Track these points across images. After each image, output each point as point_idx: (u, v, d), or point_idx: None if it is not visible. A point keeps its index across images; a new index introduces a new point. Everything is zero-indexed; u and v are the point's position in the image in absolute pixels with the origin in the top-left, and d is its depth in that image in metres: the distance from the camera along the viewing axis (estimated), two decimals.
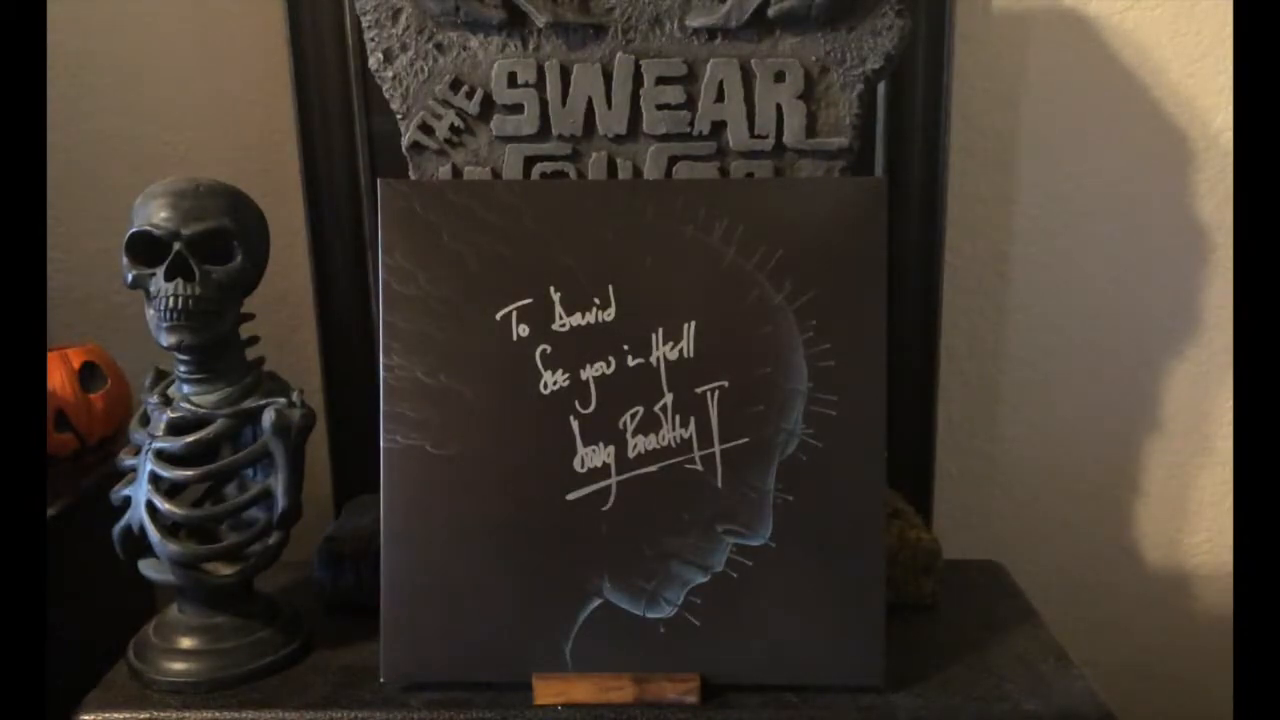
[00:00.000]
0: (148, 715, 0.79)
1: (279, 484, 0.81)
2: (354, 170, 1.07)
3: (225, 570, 0.82)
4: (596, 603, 0.79)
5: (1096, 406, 1.19)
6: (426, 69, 0.85)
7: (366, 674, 0.82)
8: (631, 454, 0.79)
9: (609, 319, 0.79)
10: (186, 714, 0.79)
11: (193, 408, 0.81)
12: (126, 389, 1.09)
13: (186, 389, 0.82)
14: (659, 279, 0.79)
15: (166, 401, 0.82)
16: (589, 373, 0.79)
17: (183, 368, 0.82)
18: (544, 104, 0.84)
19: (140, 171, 1.11)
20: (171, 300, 0.78)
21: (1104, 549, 1.23)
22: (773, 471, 0.78)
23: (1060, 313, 1.17)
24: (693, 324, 0.79)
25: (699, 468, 0.79)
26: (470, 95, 0.84)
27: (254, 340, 0.85)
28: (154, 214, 0.79)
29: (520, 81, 0.84)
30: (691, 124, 0.84)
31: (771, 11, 0.82)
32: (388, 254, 0.79)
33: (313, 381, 1.12)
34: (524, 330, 0.79)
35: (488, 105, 0.85)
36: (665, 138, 0.85)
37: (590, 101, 0.84)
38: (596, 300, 0.79)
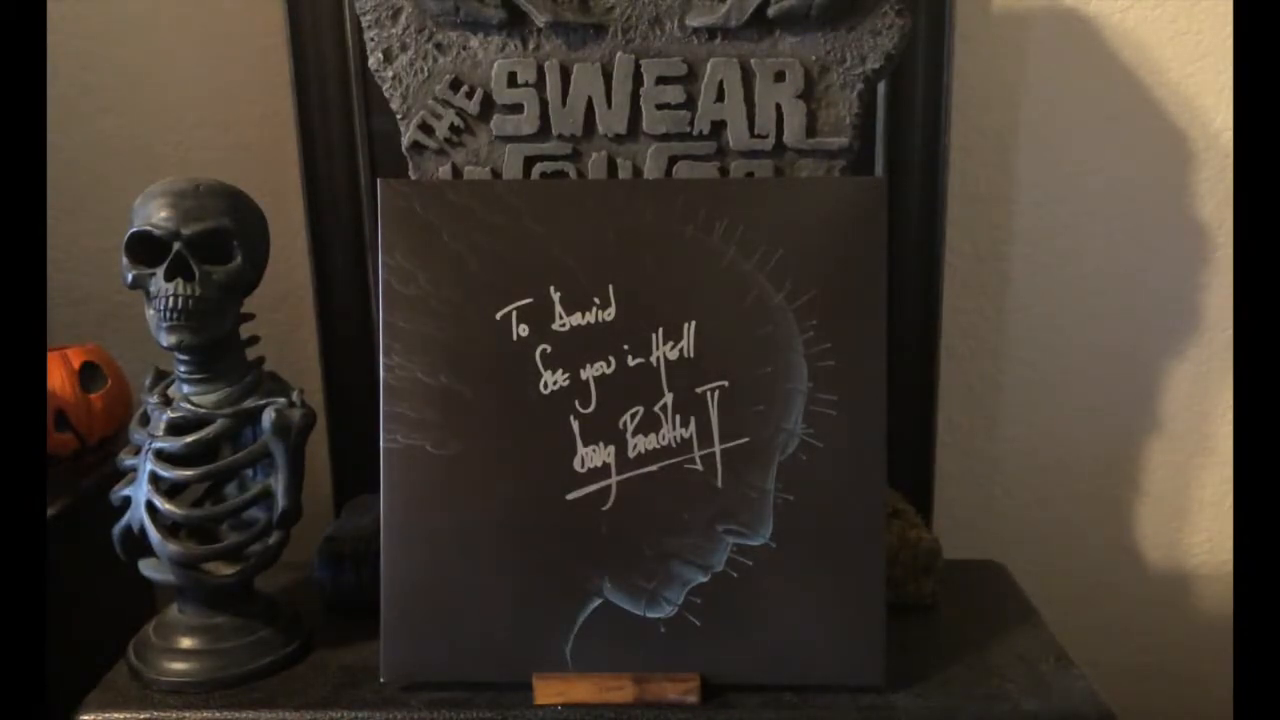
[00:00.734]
0: (148, 715, 0.79)
1: (279, 484, 0.81)
2: (354, 170, 1.07)
3: (225, 570, 0.82)
4: (597, 603, 0.79)
5: (1096, 406, 1.19)
6: (426, 69, 0.85)
7: (366, 674, 0.82)
8: (631, 454, 0.79)
9: (609, 319, 0.79)
10: (186, 714, 0.79)
11: (193, 408, 0.81)
12: (126, 389, 1.09)
13: (186, 389, 0.82)
14: (659, 279, 0.79)
15: (166, 401, 0.82)
16: (589, 372, 0.79)
17: (183, 368, 0.82)
18: (544, 104, 0.84)
19: (140, 171, 1.11)
20: (171, 300, 0.78)
21: (1104, 549, 1.23)
22: (773, 471, 0.78)
23: (1060, 313, 1.17)
24: (693, 324, 0.79)
25: (699, 467, 0.79)
26: (470, 95, 0.84)
27: (254, 340, 0.85)
28: (154, 214, 0.79)
29: (520, 81, 0.84)
30: (691, 124, 0.84)
31: (771, 11, 0.82)
32: (388, 254, 0.79)
33: (313, 381, 1.12)
34: (524, 330, 0.79)
35: (488, 105, 0.85)
36: (665, 137, 0.85)
37: (590, 101, 0.84)
38: (596, 300, 0.79)
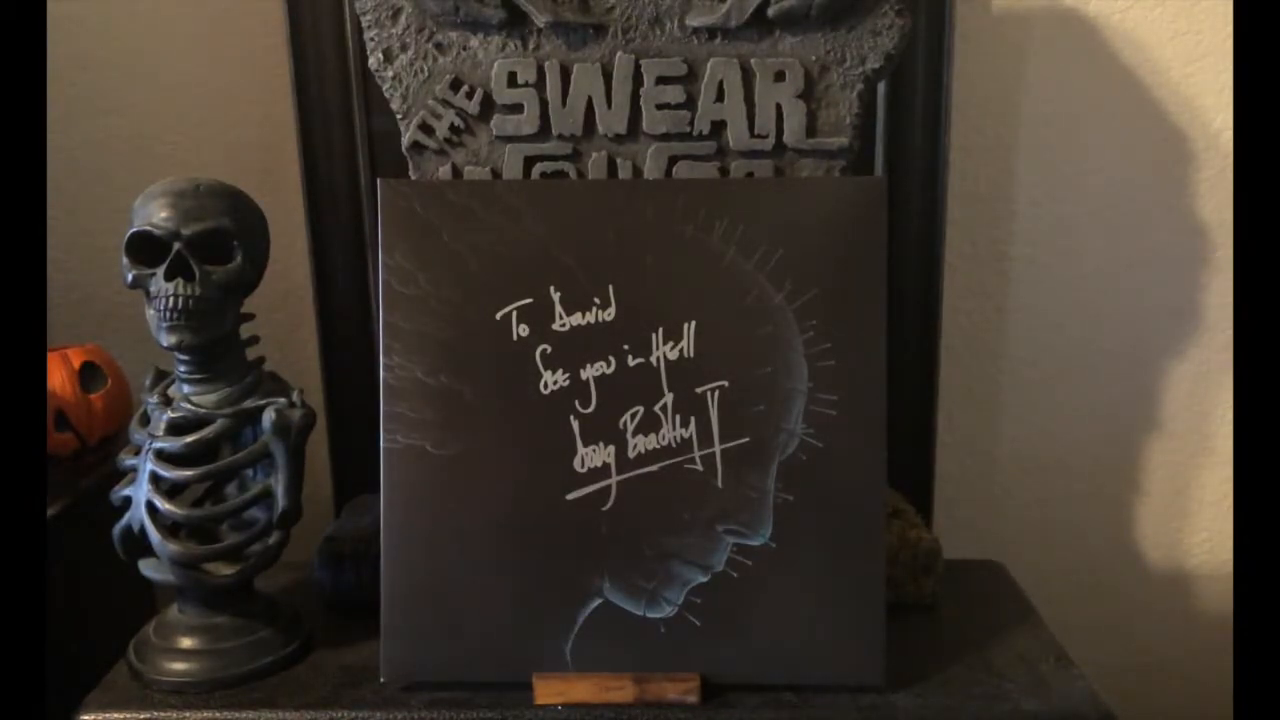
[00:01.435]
0: (148, 715, 0.79)
1: (279, 484, 0.81)
2: (354, 170, 1.07)
3: (225, 570, 0.82)
4: (597, 602, 0.79)
5: (1096, 406, 1.19)
6: (426, 69, 0.85)
7: (366, 674, 0.82)
8: (632, 454, 0.79)
9: (609, 319, 0.79)
10: (186, 714, 0.79)
11: (193, 408, 0.81)
12: (126, 389, 1.09)
13: (186, 389, 0.82)
14: (659, 279, 0.79)
15: (166, 401, 0.82)
16: (589, 372, 0.79)
17: (183, 368, 0.82)
18: (544, 104, 0.84)
19: (140, 171, 1.11)
20: (171, 300, 0.78)
21: (1104, 549, 1.23)
22: (773, 471, 0.78)
23: (1060, 313, 1.17)
24: (693, 324, 0.79)
25: (699, 467, 0.79)
26: (470, 95, 0.84)
27: (254, 340, 0.85)
28: (154, 214, 0.79)
29: (520, 81, 0.84)
30: (691, 124, 0.84)
31: (771, 11, 0.82)
32: (388, 254, 0.79)
33: (313, 381, 1.12)
34: (524, 330, 0.79)
35: (488, 105, 0.85)
36: (665, 137, 0.85)
37: (590, 101, 0.84)
38: (596, 300, 0.79)
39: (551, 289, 0.79)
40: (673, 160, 0.85)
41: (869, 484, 0.79)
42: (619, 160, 0.85)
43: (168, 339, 0.79)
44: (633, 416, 0.79)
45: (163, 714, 0.79)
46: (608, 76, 0.84)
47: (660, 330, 0.79)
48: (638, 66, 0.84)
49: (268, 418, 0.80)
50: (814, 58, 0.84)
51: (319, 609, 0.92)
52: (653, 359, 0.79)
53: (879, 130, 1.06)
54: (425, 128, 0.85)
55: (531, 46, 0.84)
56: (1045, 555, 1.22)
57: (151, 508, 0.80)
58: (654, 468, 0.79)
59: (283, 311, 1.16)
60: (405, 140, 0.86)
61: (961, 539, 1.20)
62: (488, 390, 0.79)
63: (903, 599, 0.92)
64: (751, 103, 0.84)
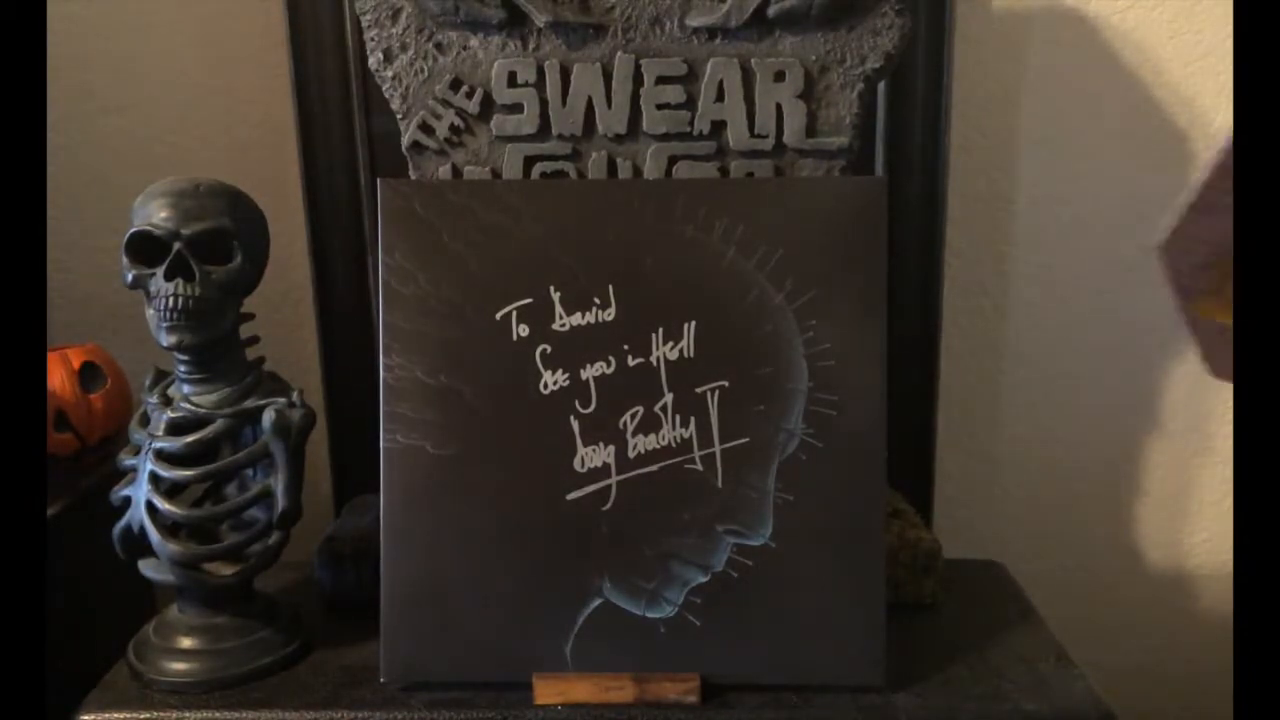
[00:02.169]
0: (148, 715, 0.79)
1: (279, 484, 0.81)
2: (354, 170, 1.07)
3: (225, 570, 0.82)
4: (597, 602, 0.79)
5: (1096, 406, 1.19)
6: (426, 69, 0.85)
7: (366, 674, 0.82)
8: (632, 454, 0.79)
9: (609, 319, 0.79)
10: (186, 714, 0.79)
11: (193, 408, 0.81)
12: (126, 389, 1.09)
13: (186, 389, 0.82)
14: (659, 279, 0.79)
15: (166, 401, 0.82)
16: (589, 372, 0.79)
17: (183, 368, 0.82)
18: (544, 104, 0.84)
19: (140, 171, 1.11)
20: (171, 300, 0.78)
21: (1104, 549, 1.23)
22: (773, 471, 0.78)
23: (1060, 312, 1.17)
24: (693, 324, 0.79)
25: (699, 467, 0.79)
26: (470, 95, 0.84)
27: (254, 340, 0.85)
28: (154, 214, 0.79)
29: (520, 81, 0.84)
30: (691, 124, 0.84)
31: (771, 11, 0.82)
32: (388, 254, 0.79)
33: (313, 381, 1.12)
34: (524, 330, 0.79)
35: (488, 105, 0.85)
36: (665, 137, 0.85)
37: (590, 101, 0.84)
38: (596, 300, 0.79)
39: (551, 289, 0.79)
40: (673, 160, 0.85)
41: (869, 484, 0.79)
42: (619, 160, 0.85)
43: (168, 339, 0.79)
44: (633, 416, 0.79)
45: (163, 714, 0.79)
46: (608, 76, 0.84)
47: (660, 330, 0.79)
48: (638, 66, 0.84)
49: (268, 418, 0.80)
50: (814, 58, 0.84)
51: (319, 609, 0.92)
52: (653, 359, 0.79)
53: (879, 130, 1.06)
54: (425, 128, 0.85)
55: (531, 46, 0.84)
56: (1045, 555, 1.22)
57: (151, 508, 0.80)
58: (654, 468, 0.79)
59: (283, 311, 1.16)
60: (405, 140, 0.86)
61: (961, 539, 1.20)
62: (488, 390, 0.79)
63: (903, 599, 0.92)
64: (751, 103, 0.84)
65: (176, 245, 0.78)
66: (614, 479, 0.79)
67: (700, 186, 0.82)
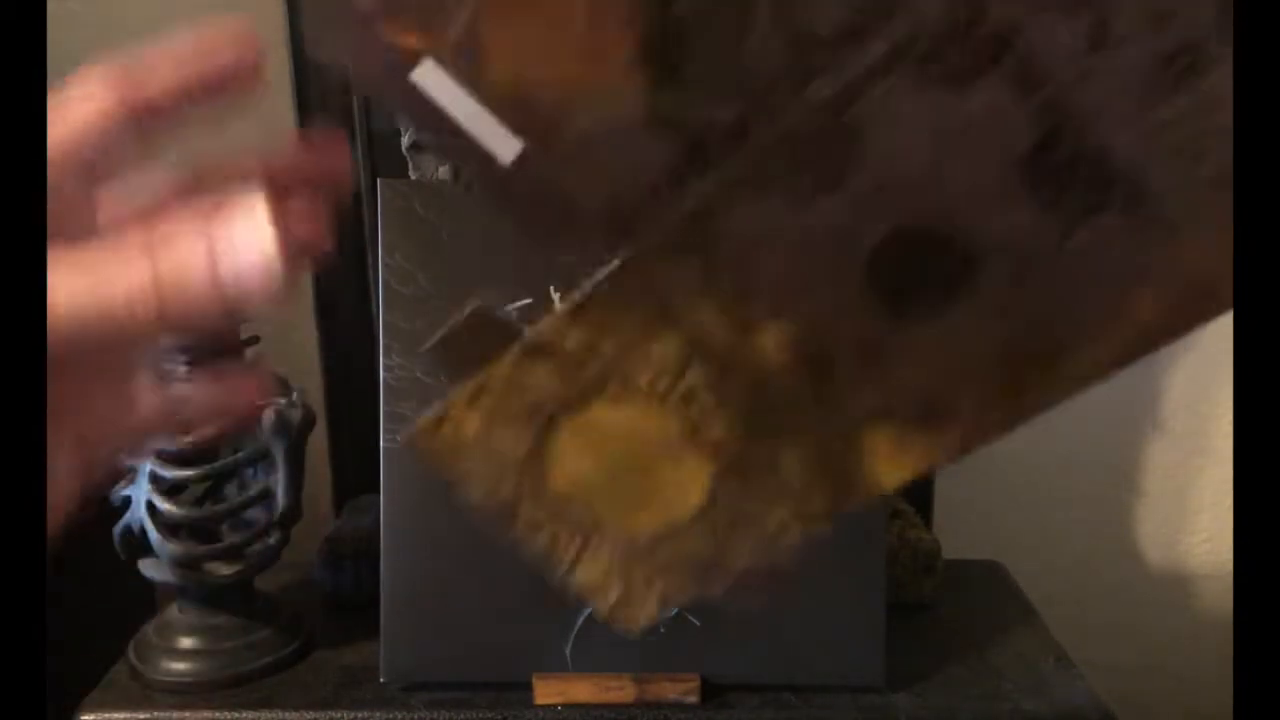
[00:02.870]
0: (148, 715, 0.79)
1: (279, 484, 0.81)
2: (354, 170, 1.07)
3: (225, 570, 0.82)
4: None
5: (1096, 406, 1.19)
6: None
7: (366, 674, 0.82)
8: None
9: None
10: (186, 714, 0.79)
11: None
12: None
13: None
14: None
15: None
16: None
17: (182, 368, 0.82)
18: None
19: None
20: None
21: (1104, 549, 1.23)
22: None
23: None
24: None
25: None
26: None
27: (254, 340, 0.85)
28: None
29: None
30: None
31: None
32: (388, 254, 0.79)
33: (313, 381, 1.12)
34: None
35: None
36: None
37: None
38: None
39: (551, 289, 0.79)
40: None
41: None
42: None
43: (166, 338, 0.79)
44: None
45: (163, 714, 0.79)
46: None
47: None
48: None
49: (267, 418, 0.80)
50: None
51: (319, 609, 0.92)
52: None
53: None
54: None
55: None
56: (1045, 555, 1.22)
57: (151, 507, 0.80)
58: None
59: (282, 311, 1.16)
60: (405, 140, 0.86)
61: (961, 539, 1.20)
62: None
63: (903, 599, 0.92)
64: None
65: None
66: None
67: None
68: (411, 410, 0.78)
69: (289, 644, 0.85)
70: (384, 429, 0.78)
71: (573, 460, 0.40)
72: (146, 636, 0.85)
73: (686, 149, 0.33)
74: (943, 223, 0.33)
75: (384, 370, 0.79)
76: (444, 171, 0.86)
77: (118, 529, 0.82)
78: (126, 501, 0.82)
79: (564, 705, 0.78)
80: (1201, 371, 1.18)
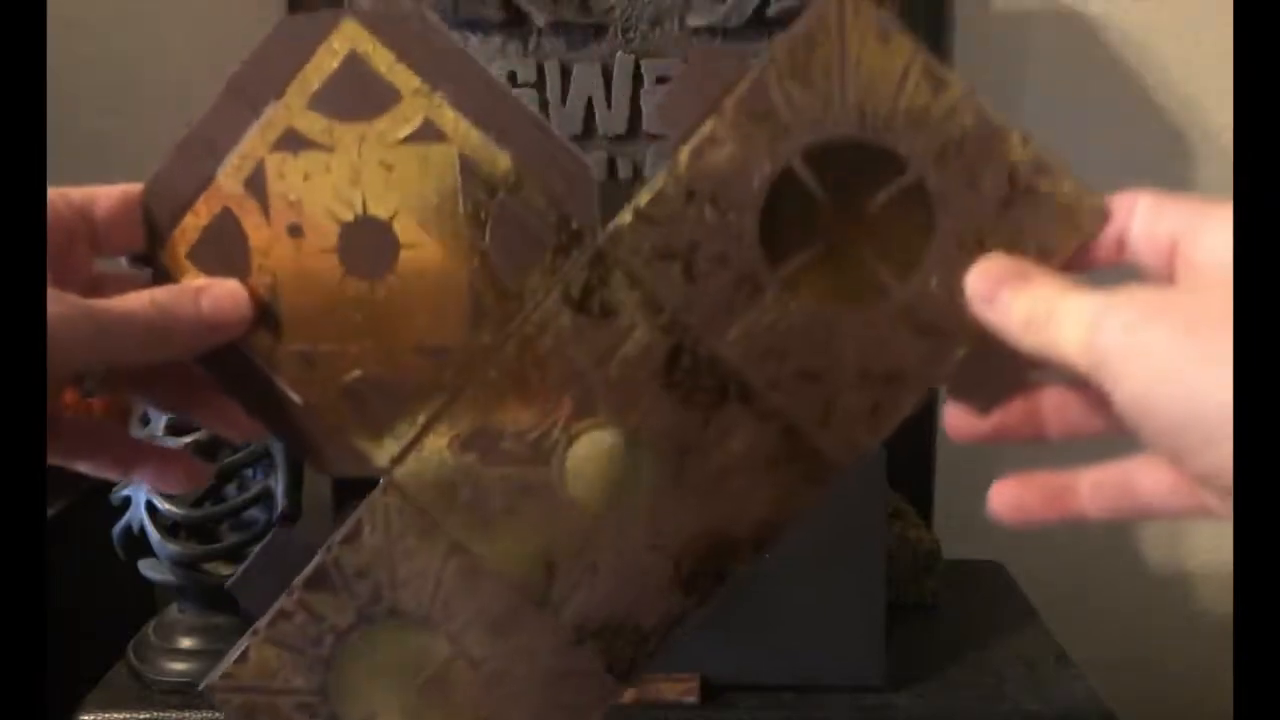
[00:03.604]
0: (147, 715, 0.79)
1: (279, 484, 0.81)
2: None
3: (225, 570, 0.82)
4: None
5: None
6: None
7: None
8: None
9: None
10: (186, 714, 0.79)
11: None
12: None
13: None
14: None
15: None
16: None
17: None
18: (544, 104, 0.84)
19: (140, 171, 1.11)
20: None
21: (1104, 549, 1.23)
22: None
23: None
24: None
25: None
26: None
27: None
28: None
29: (520, 81, 0.84)
30: None
31: (771, 11, 0.82)
32: None
33: None
34: None
35: None
36: (665, 137, 0.85)
37: (590, 101, 0.84)
38: None
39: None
40: None
41: (869, 484, 0.79)
42: (619, 160, 0.85)
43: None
44: None
45: (163, 714, 0.79)
46: (608, 76, 0.84)
47: None
48: (638, 66, 0.84)
49: None
50: None
51: None
52: None
53: None
54: None
55: (531, 46, 0.84)
56: (1045, 555, 1.22)
57: (151, 508, 0.80)
58: None
59: None
60: None
61: (961, 539, 1.19)
62: None
63: (903, 599, 0.92)
64: None
65: None
66: None
67: None
68: None
69: None
70: None
71: (366, 690, 0.44)
72: (146, 636, 0.85)
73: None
74: (611, 417, 0.42)
75: None
76: None
77: (117, 529, 0.82)
78: (126, 502, 0.82)
79: None
80: None
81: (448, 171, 0.42)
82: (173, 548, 0.79)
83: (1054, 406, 0.46)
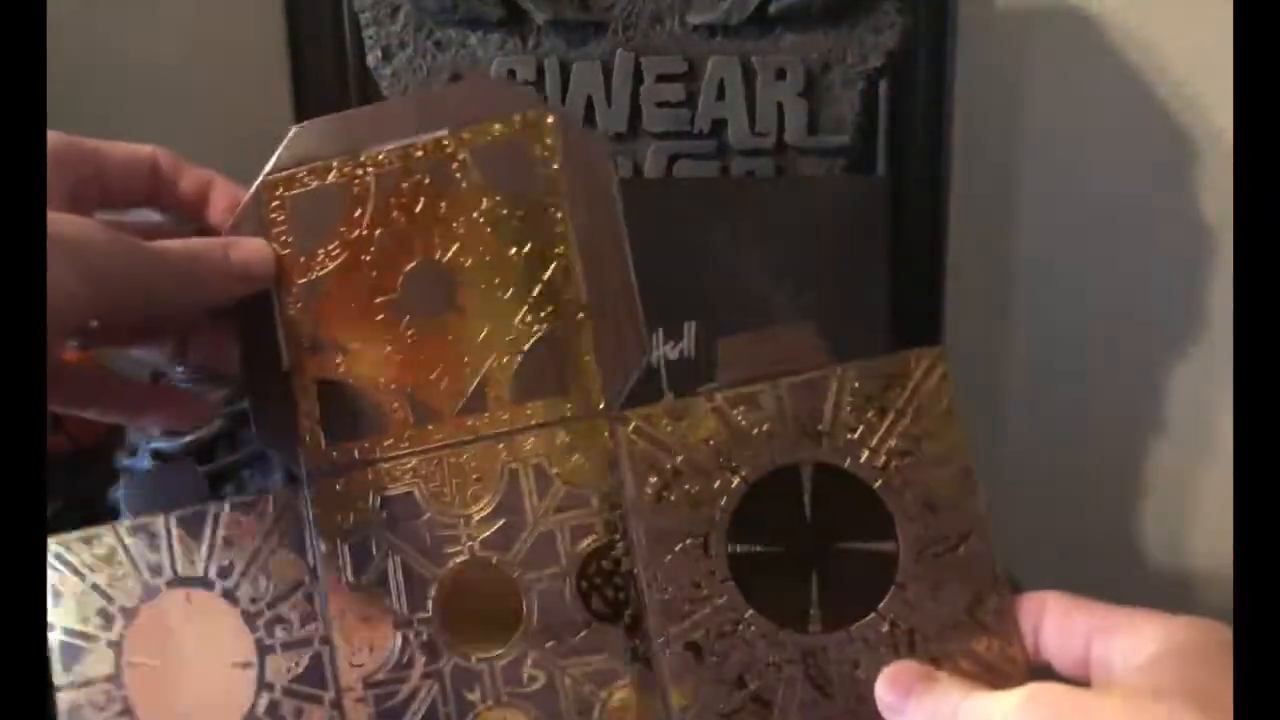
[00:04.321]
0: None
1: (277, 485, 0.81)
2: None
3: None
4: None
5: (1098, 407, 1.19)
6: (425, 66, 0.84)
7: None
8: None
9: None
10: None
11: None
12: None
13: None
14: (659, 278, 0.78)
15: None
16: None
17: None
18: (543, 102, 0.84)
19: None
20: None
21: (1104, 549, 1.23)
22: None
23: (1062, 313, 1.17)
24: (693, 324, 0.79)
25: None
26: None
27: None
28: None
29: (520, 79, 0.84)
30: (692, 122, 0.84)
31: (773, 8, 0.82)
32: None
33: None
34: None
35: None
36: (665, 136, 0.84)
37: (590, 99, 0.84)
38: None
39: None
40: (673, 159, 0.85)
41: None
42: (619, 159, 0.85)
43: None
44: None
45: None
46: (608, 74, 0.84)
47: (660, 330, 0.79)
48: (638, 64, 0.84)
49: None
50: (815, 55, 0.84)
51: None
52: (653, 358, 0.79)
53: (881, 129, 1.06)
54: None
55: (531, 44, 0.84)
56: (1045, 555, 1.22)
57: None
58: None
59: None
60: None
61: None
62: None
63: None
64: (752, 101, 0.84)
65: None
66: None
67: (700, 185, 0.81)
68: None
69: None
70: None
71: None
72: None
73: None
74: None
75: None
76: None
77: None
78: None
79: None
80: (1203, 371, 1.18)
81: (534, 275, 0.45)
82: None
83: None
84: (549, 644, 0.43)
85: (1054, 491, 1.21)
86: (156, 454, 0.80)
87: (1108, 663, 0.40)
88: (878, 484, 0.43)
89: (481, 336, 0.44)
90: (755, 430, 0.43)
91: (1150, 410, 1.19)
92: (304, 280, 0.47)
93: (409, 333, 0.45)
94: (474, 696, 0.43)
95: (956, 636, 0.44)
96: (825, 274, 0.78)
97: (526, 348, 0.45)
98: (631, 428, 0.44)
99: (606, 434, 0.44)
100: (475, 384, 0.44)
